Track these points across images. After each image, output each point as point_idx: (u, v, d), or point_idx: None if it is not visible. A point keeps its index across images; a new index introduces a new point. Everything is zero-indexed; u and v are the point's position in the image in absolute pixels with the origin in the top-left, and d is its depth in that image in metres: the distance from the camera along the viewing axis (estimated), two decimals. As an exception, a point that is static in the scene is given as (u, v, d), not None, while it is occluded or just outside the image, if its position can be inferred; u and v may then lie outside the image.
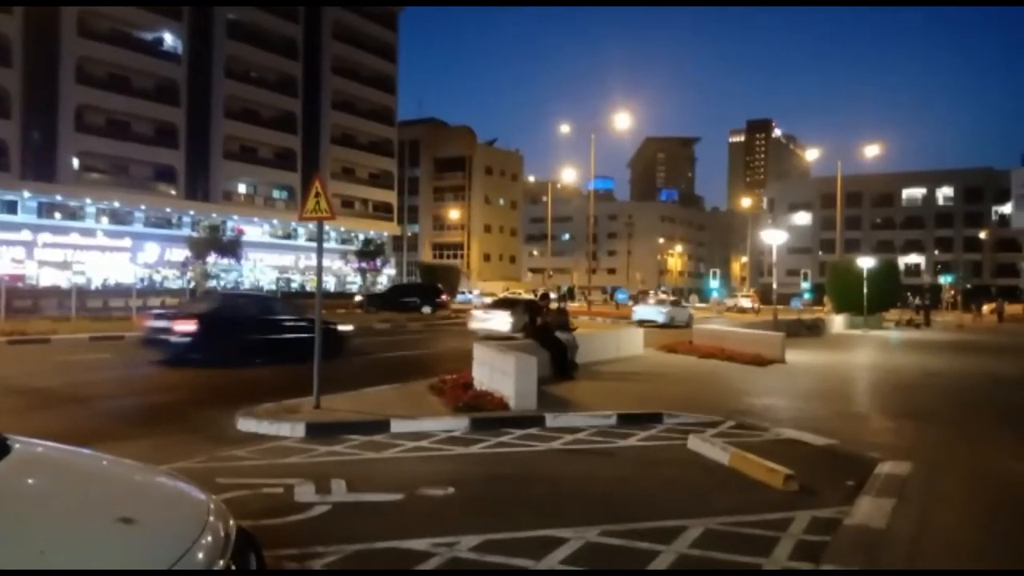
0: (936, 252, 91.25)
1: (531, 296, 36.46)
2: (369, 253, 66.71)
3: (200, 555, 2.19)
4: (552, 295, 15.67)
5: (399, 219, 77.45)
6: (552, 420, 9.35)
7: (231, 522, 2.51)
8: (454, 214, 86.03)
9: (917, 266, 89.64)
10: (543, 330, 13.65)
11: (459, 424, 9.00)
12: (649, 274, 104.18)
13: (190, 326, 14.29)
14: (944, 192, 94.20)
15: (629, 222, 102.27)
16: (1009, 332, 32.52)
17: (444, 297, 43.16)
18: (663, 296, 51.71)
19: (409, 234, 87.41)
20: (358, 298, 46.70)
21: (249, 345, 14.72)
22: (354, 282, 66.68)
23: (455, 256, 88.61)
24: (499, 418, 9.30)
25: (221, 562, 2.25)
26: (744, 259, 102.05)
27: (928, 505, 5.97)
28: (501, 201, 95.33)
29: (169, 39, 54.38)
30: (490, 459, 7.57)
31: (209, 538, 2.29)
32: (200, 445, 7.77)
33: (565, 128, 49.54)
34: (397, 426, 8.76)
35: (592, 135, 46.62)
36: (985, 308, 55.16)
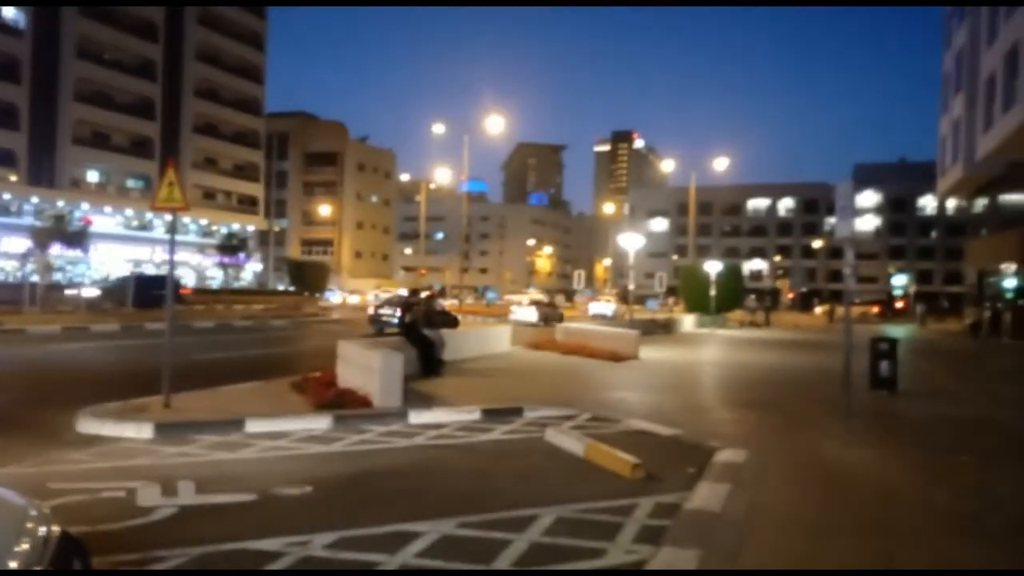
0: (777, 258, 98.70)
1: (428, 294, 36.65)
2: (231, 247, 63.65)
3: (14, 563, 2.14)
4: (423, 293, 15.68)
5: (266, 213, 74.44)
6: (416, 416, 9.37)
7: (55, 527, 2.45)
8: (325, 210, 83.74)
9: (760, 271, 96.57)
10: (411, 327, 13.62)
11: (321, 422, 8.83)
12: (519, 274, 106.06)
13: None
14: (785, 204, 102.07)
15: (501, 223, 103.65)
16: (838, 331, 35.82)
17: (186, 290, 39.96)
18: (539, 296, 53.04)
19: (278, 229, 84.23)
20: (87, 292, 34.95)
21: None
22: (214, 277, 63.43)
23: (325, 253, 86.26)
24: (362, 415, 9.21)
25: (38, 568, 2.20)
26: (607, 261, 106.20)
27: (760, 487, 6.51)
28: (374, 198, 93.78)
29: (10, 12, 49.49)
30: (351, 457, 7.50)
31: (26, 545, 2.24)
32: (32, 448, 7.20)
33: (438, 129, 49.46)
34: (253, 425, 8.48)
35: (465, 137, 46.84)
36: (818, 310, 60.30)
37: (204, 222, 63.90)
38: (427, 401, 10.27)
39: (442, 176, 63.19)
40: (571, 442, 7.87)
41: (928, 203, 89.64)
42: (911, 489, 6.58)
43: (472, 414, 9.67)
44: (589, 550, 4.92)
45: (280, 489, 6.11)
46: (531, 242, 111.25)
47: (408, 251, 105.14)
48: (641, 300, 57.81)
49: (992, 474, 7.16)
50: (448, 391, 11.28)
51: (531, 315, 35.61)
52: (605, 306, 48.94)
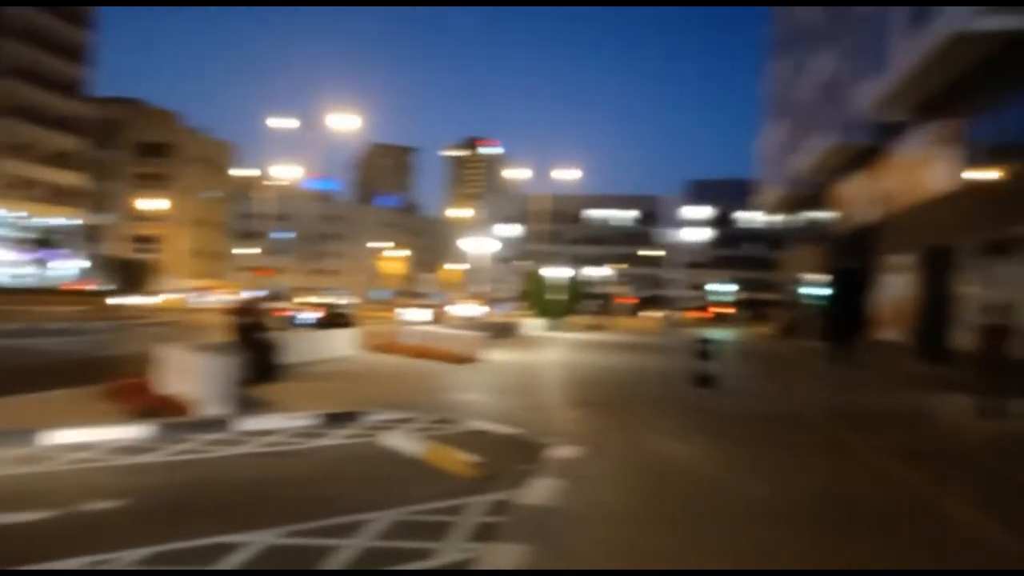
0: (619, 265, 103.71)
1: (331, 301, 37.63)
2: (47, 242, 57.78)
3: None
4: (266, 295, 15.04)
5: (92, 206, 68.17)
6: (247, 423, 8.91)
7: None
8: (156, 204, 77.95)
9: (602, 278, 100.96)
10: (245, 331, 12.96)
11: (137, 431, 8.18)
12: (370, 276, 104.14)
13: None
14: (627, 214, 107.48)
15: (352, 224, 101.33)
16: (673, 334, 37.98)
17: None
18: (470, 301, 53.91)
19: (101, 223, 77.35)
20: None
21: None
22: (25, 275, 57.28)
23: (157, 249, 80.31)
24: (186, 423, 8.64)
25: None
26: (461, 266, 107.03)
27: (592, 481, 6.75)
28: (210, 193, 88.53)
29: None
30: (172, 467, 6.99)
31: None
32: None
33: (279, 123, 47.36)
34: (56, 436, 7.70)
35: (313, 134, 45.35)
36: (657, 315, 63.85)
37: (22, 214, 57.60)
38: (261, 407, 9.80)
39: (289, 173, 60.73)
40: (410, 444, 7.79)
41: (753, 217, 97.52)
42: (728, 479, 7.08)
43: (309, 419, 9.34)
44: (420, 551, 4.88)
45: (87, 504, 5.58)
46: (382, 244, 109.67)
47: (252, 250, 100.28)
48: (493, 304, 58.81)
49: (795, 464, 7.84)
50: (285, 396, 10.83)
51: (424, 316, 37.61)
52: (473, 309, 49.89)
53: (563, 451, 7.95)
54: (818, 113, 32.38)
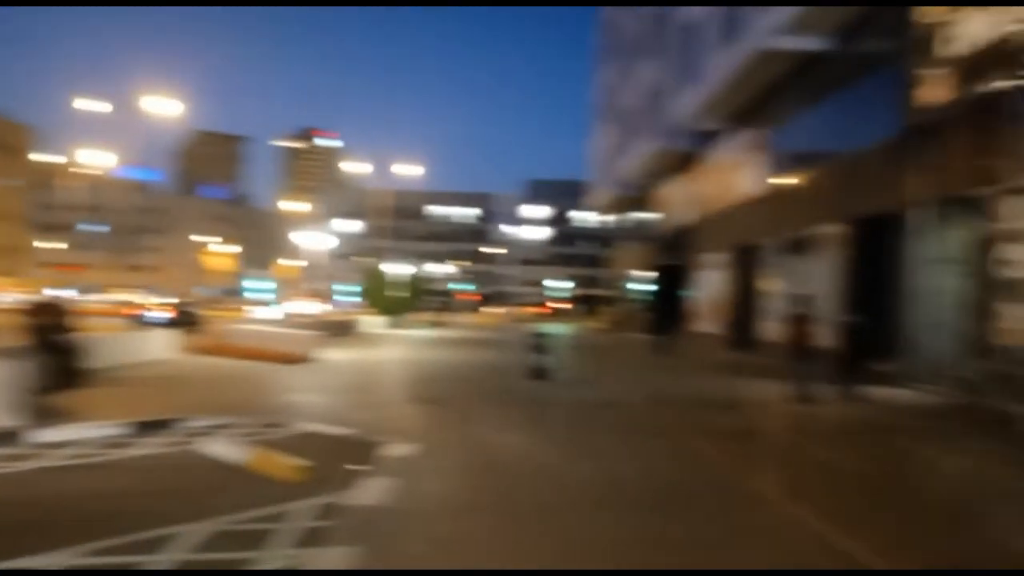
0: (460, 262, 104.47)
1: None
2: None
3: None
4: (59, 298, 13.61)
5: None
6: (43, 435, 8.05)
7: None
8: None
9: (444, 274, 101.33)
10: (44, 333, 11.67)
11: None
12: (193, 272, 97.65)
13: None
14: (467, 211, 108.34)
15: (174, 216, 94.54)
16: (512, 330, 38.88)
17: None
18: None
19: None
20: None
21: None
22: None
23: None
24: (-32, 438, 7.65)
25: None
26: (292, 262, 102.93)
27: (425, 477, 6.73)
28: (4, 181, 79.02)
29: None
30: (-54, 488, 6.17)
31: None
32: None
33: (98, 107, 43.23)
34: None
35: (129, 118, 41.73)
36: (498, 311, 65.01)
37: None
38: (62, 416, 8.89)
39: (100, 160, 55.46)
40: (232, 451, 7.39)
41: (588, 216, 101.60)
42: (556, 466, 7.32)
43: (117, 428, 8.60)
44: (237, 562, 4.63)
45: None
46: (208, 238, 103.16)
47: (57, 244, 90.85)
48: (331, 301, 57.14)
49: (619, 448, 8.26)
50: (92, 404, 9.88)
51: (277, 314, 35.73)
52: (313, 306, 48.03)
53: (397, 449, 7.88)
54: (642, 119, 34.34)
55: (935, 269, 13.94)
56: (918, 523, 5.73)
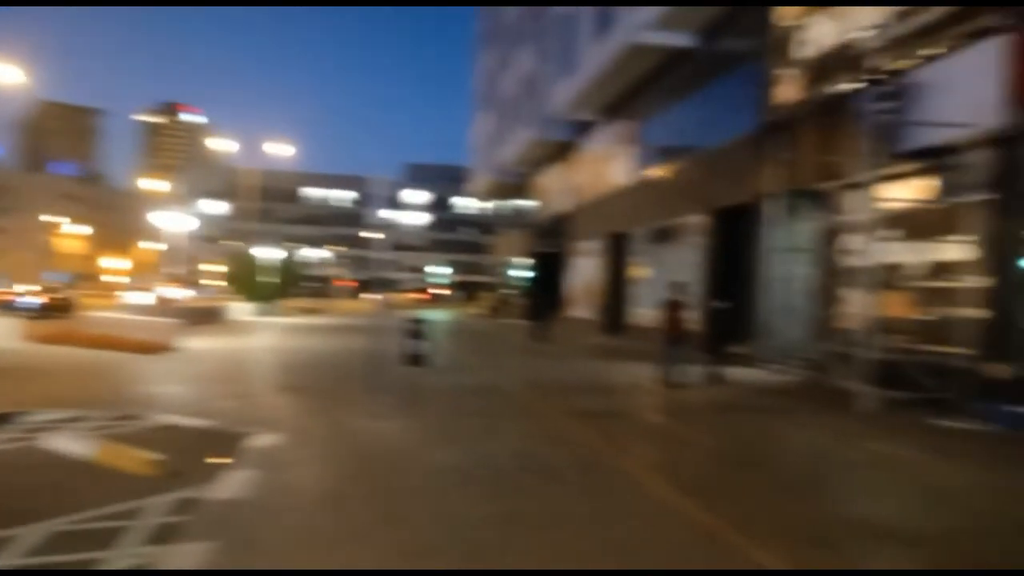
0: (336, 247, 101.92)
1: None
2: None
3: None
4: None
5: None
6: None
7: None
8: None
9: (320, 259, 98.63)
10: None
11: None
12: (43, 256, 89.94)
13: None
14: (344, 194, 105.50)
15: (17, 195, 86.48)
16: (388, 317, 38.39)
17: None
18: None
19: None
20: None
21: None
22: None
23: None
24: None
25: None
26: (154, 244, 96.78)
27: (291, 468, 6.53)
28: None
29: None
30: None
31: None
32: None
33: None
34: None
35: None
36: (376, 297, 63.91)
37: None
38: None
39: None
40: (79, 445, 6.87)
41: (468, 202, 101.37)
42: (427, 451, 7.30)
43: (-55, 424, 7.79)
44: (84, 563, 4.31)
45: None
46: (58, 219, 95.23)
47: None
48: (196, 287, 54.20)
49: (490, 432, 8.34)
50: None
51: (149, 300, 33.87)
52: (176, 292, 45.27)
53: (262, 440, 7.60)
54: (521, 107, 34.69)
55: (787, 257, 14.96)
56: (770, 495, 6.14)
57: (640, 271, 24.04)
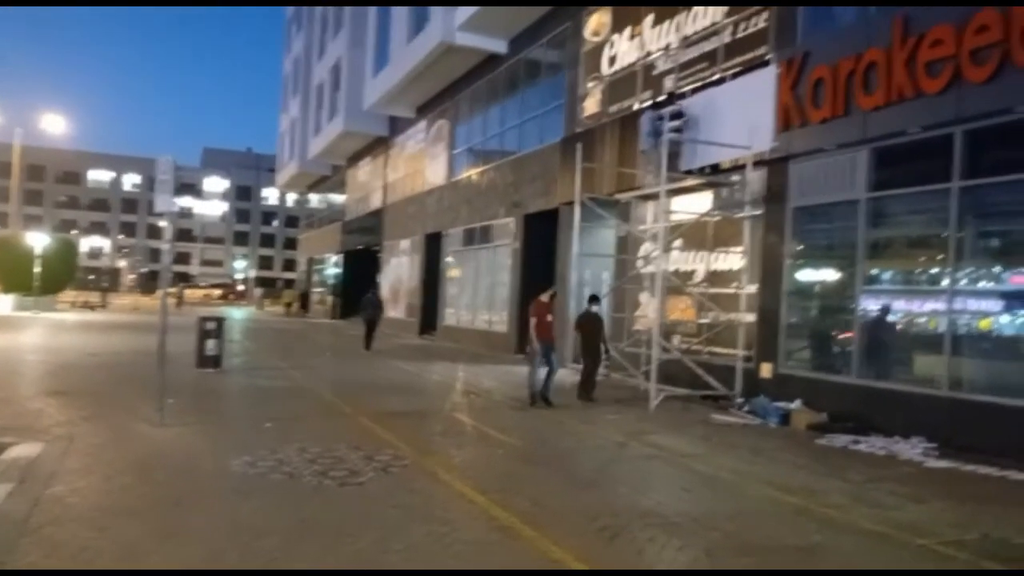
0: (121, 236, 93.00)
1: None
2: None
3: None
4: None
5: None
6: None
7: None
8: None
9: (101, 249, 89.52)
10: None
11: None
12: None
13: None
14: (131, 178, 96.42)
15: None
16: (179, 313, 35.58)
17: None
18: None
19: None
20: None
21: None
22: None
23: None
24: None
25: None
26: None
27: (56, 481, 5.79)
28: None
29: None
30: None
31: None
32: None
33: None
34: None
35: None
36: (172, 291, 58.98)
37: None
38: None
39: None
40: None
41: (272, 193, 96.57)
42: (209, 459, 6.80)
43: None
44: None
45: None
46: None
47: None
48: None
49: (293, 437, 7.96)
50: None
51: None
52: None
53: (22, 450, 6.69)
54: (333, 97, 33.68)
55: (591, 262, 15.75)
56: (563, 489, 6.39)
57: (454, 271, 24.24)
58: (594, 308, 11.60)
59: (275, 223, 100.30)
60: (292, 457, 6.88)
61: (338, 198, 39.95)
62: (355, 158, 35.84)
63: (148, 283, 65.06)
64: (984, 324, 8.78)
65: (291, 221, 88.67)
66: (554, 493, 6.19)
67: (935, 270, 9.13)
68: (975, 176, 8.51)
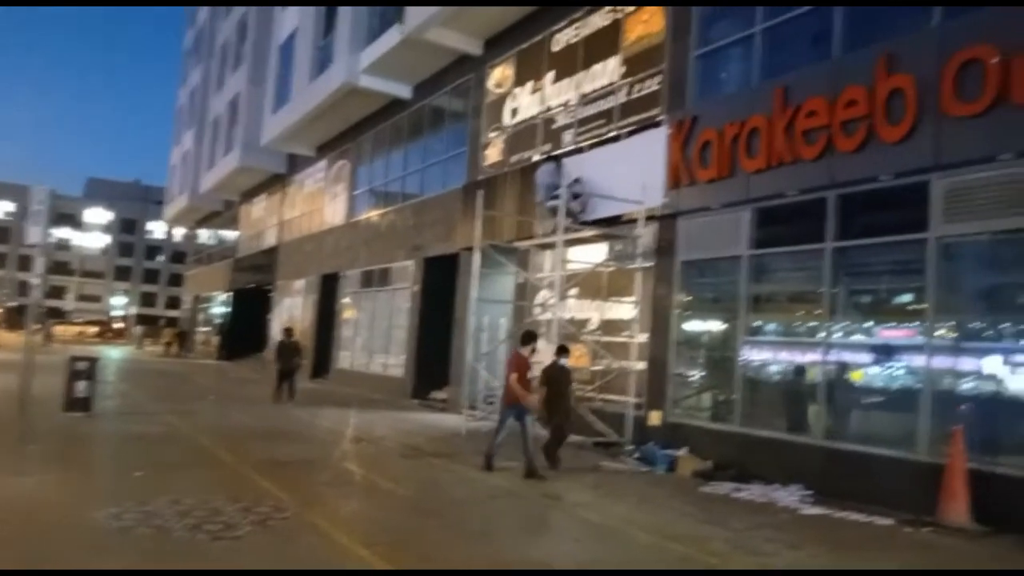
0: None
1: None
2: None
3: None
4: None
5: None
6: None
7: None
8: None
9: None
10: None
11: None
12: None
13: None
14: (3, 206, 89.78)
15: None
16: (49, 352, 32.93)
17: None
18: None
19: None
20: None
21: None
22: None
23: None
24: None
25: None
26: None
27: None
28: None
29: None
30: None
31: None
32: None
33: None
34: None
35: None
36: (40, 328, 54.60)
37: None
38: None
39: None
40: None
41: (159, 227, 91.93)
42: (76, 512, 6.26)
43: None
44: None
45: None
46: None
47: None
48: None
49: (165, 488, 7.44)
50: None
51: None
52: None
53: None
54: (230, 131, 32.78)
55: (490, 308, 15.78)
56: (450, 540, 6.24)
57: (351, 313, 23.73)
58: (562, 360, 10.05)
59: (160, 258, 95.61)
60: (163, 509, 6.42)
61: (230, 234, 38.58)
62: (250, 194, 34.86)
63: (14, 318, 60.14)
64: (856, 376, 9.33)
65: (178, 257, 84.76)
66: (443, 545, 6.04)
67: (812, 324, 9.68)
68: (846, 238, 9.15)
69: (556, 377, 9.89)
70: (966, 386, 8.02)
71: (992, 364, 7.82)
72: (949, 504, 7.31)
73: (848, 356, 9.31)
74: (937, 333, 8.18)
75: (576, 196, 12.52)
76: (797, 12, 10.17)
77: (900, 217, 8.60)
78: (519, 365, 9.43)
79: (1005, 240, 7.77)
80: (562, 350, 10.16)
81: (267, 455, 9.73)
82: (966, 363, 8.03)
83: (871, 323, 9.25)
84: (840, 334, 9.30)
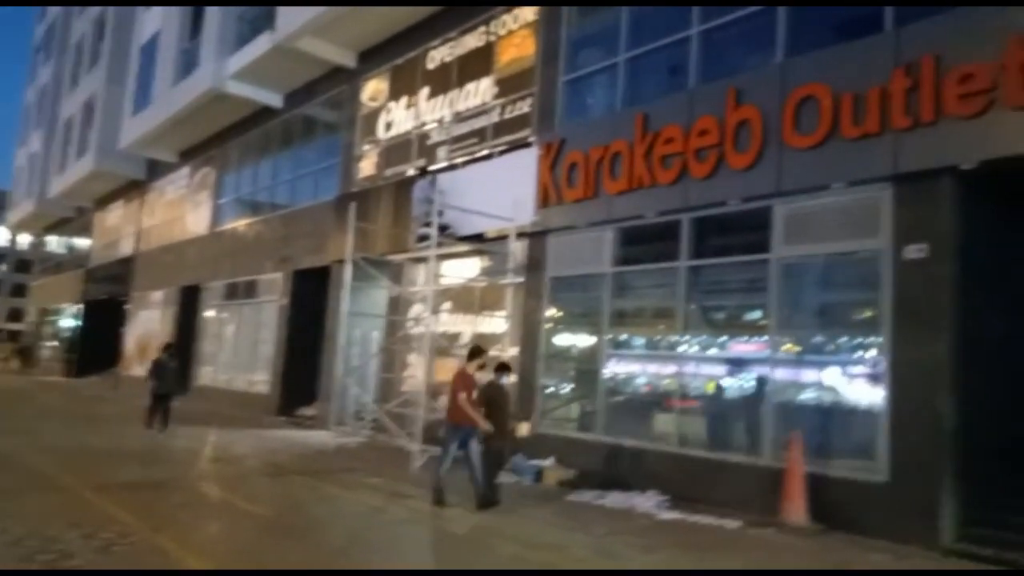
0: None
1: None
2: None
3: None
4: None
5: None
6: None
7: None
8: None
9: None
10: None
11: None
12: None
13: None
14: None
15: None
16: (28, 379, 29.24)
17: None
18: None
19: None
20: None
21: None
22: None
23: None
24: None
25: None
26: None
27: None
28: None
29: None
30: None
31: None
32: None
33: None
34: None
35: None
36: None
37: None
38: None
39: None
40: None
41: (1, 234, 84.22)
42: None
43: None
44: None
45: None
46: None
47: None
48: None
49: (-8, 516, 6.82)
50: None
51: None
52: None
53: None
54: (84, 133, 30.64)
55: (361, 321, 15.54)
56: (312, 562, 6.10)
57: (213, 327, 22.64)
58: (503, 379, 9.09)
59: (2, 267, 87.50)
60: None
61: (83, 243, 35.94)
62: (105, 200, 32.66)
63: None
64: (709, 386, 9.91)
65: (23, 266, 78.00)
66: (300, 566, 5.89)
67: (669, 337, 10.20)
68: (699, 257, 9.74)
69: (495, 397, 8.84)
70: (805, 396, 8.71)
71: (828, 375, 8.55)
72: (789, 505, 7.89)
73: (701, 368, 9.88)
74: (781, 347, 8.84)
75: (445, 199, 12.60)
76: (657, 44, 10.78)
77: (746, 239, 9.26)
78: (467, 384, 8.61)
79: (838, 262, 8.54)
80: (503, 367, 9.21)
81: (114, 477, 9.12)
82: (805, 374, 8.75)
83: (723, 337, 9.87)
84: (694, 348, 9.86)
